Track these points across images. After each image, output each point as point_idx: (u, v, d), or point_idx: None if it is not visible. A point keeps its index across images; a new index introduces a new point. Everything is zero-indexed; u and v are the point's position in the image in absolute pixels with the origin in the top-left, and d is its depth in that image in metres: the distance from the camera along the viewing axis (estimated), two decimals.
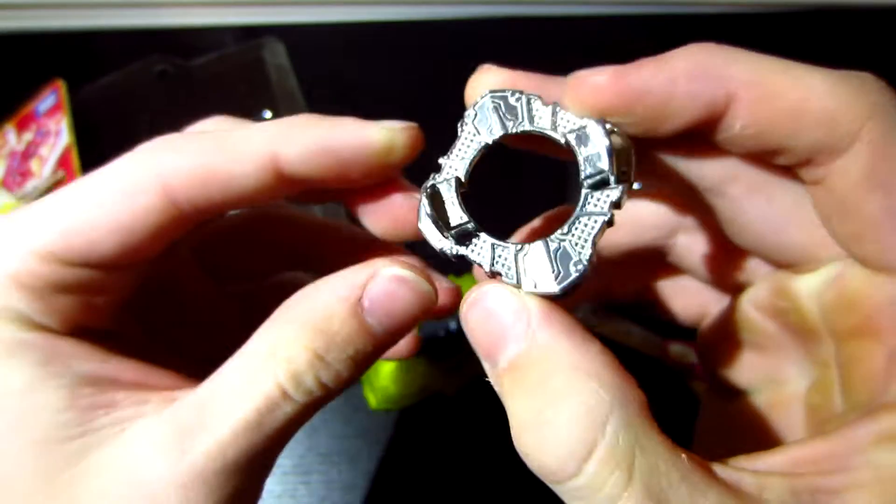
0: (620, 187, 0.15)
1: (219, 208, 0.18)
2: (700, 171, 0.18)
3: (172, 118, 0.54)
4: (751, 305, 0.20)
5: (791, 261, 0.18)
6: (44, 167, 0.46)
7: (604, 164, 0.15)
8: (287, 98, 0.47)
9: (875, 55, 0.58)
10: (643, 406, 0.14)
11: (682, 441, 0.15)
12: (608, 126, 0.16)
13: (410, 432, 0.45)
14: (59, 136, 0.47)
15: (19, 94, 0.51)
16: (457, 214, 0.17)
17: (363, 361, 0.17)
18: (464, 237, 0.17)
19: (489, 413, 0.45)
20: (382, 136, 0.18)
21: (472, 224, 0.17)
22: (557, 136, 0.16)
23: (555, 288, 0.15)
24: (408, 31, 0.61)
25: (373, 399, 0.43)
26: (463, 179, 0.17)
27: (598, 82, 0.16)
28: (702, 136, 0.16)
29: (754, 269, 0.21)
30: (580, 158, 0.16)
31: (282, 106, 0.47)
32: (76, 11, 0.61)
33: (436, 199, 0.17)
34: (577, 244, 0.15)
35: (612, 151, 0.15)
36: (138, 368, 0.18)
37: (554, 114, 0.16)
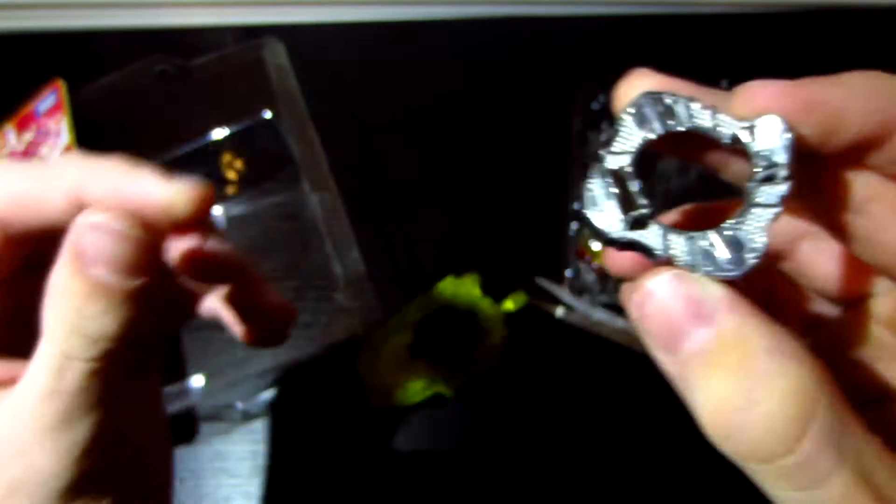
0: (789, 182, 0.16)
1: (38, 234, 0.21)
2: (849, 187, 0.18)
3: (172, 118, 0.54)
4: (873, 319, 0.20)
5: None
6: None
7: (780, 157, 0.16)
8: (287, 98, 0.47)
9: (875, 55, 0.58)
10: (839, 388, 0.15)
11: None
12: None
13: (410, 432, 0.45)
14: (59, 136, 0.47)
15: (19, 94, 0.51)
16: (639, 199, 0.17)
17: (125, 308, 0.19)
18: (637, 223, 0.17)
19: (488, 413, 0.45)
20: (166, 193, 0.20)
21: (650, 210, 0.17)
22: (720, 134, 0.17)
23: (735, 272, 0.16)
24: (408, 31, 0.61)
25: (373, 399, 0.43)
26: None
27: (777, 89, 0.16)
28: (856, 155, 0.17)
29: (874, 282, 0.21)
30: (752, 152, 0.17)
31: (282, 106, 0.47)
32: (76, 11, 0.61)
33: (619, 182, 0.17)
34: (751, 233, 0.16)
35: (794, 145, 0.16)
36: (15, 370, 0.20)
37: (713, 116, 0.17)
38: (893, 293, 0.20)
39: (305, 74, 0.49)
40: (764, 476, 0.15)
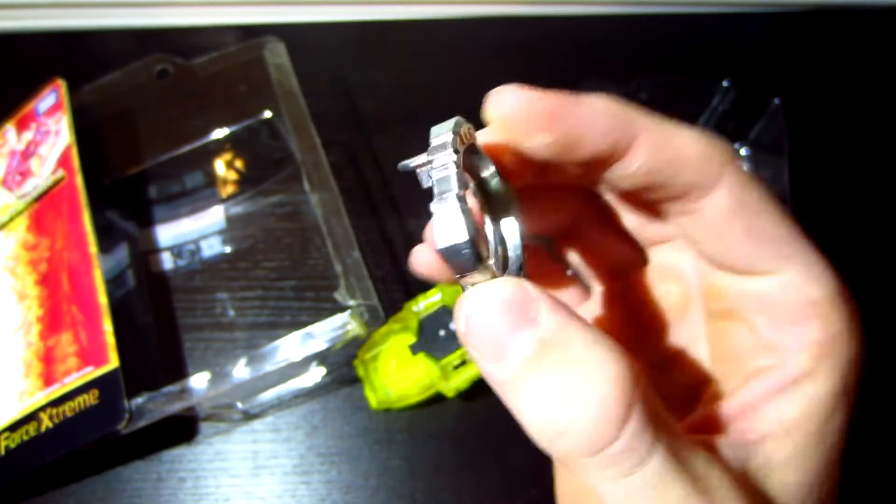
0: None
1: None
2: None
3: (172, 118, 0.54)
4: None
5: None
6: (44, 166, 0.46)
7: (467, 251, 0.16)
8: (287, 98, 0.47)
9: (875, 55, 0.58)
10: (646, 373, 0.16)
11: None
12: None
13: (410, 432, 0.45)
14: (59, 135, 0.47)
15: (19, 94, 0.51)
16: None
17: None
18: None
19: (489, 413, 0.45)
20: None
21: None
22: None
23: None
24: (408, 31, 0.61)
25: (373, 399, 0.43)
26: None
27: (524, 97, 0.17)
28: (589, 170, 0.18)
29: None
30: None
31: (282, 106, 0.47)
32: (76, 11, 0.61)
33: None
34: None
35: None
36: None
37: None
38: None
39: (305, 74, 0.49)
40: (587, 469, 0.15)
